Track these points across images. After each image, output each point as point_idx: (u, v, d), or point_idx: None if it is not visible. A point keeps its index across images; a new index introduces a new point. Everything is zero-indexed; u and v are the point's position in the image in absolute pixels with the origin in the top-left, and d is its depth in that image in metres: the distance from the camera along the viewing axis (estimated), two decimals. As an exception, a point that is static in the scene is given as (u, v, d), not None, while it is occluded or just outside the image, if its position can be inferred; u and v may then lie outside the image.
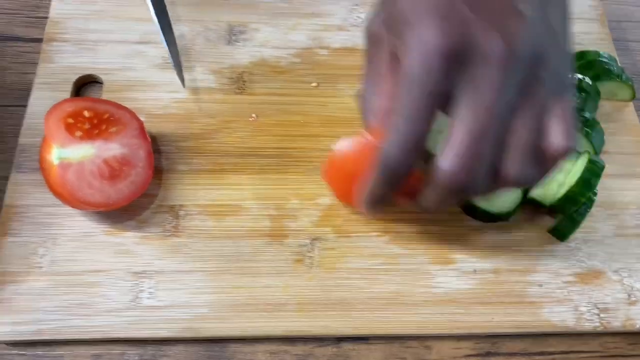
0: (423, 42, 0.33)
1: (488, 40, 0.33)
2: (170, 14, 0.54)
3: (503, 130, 0.34)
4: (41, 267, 0.43)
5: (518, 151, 0.35)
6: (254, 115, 0.51)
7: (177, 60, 0.51)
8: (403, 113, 0.34)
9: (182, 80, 0.51)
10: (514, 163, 0.35)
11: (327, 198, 0.48)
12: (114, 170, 0.43)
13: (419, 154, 0.36)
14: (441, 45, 0.33)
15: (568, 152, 0.36)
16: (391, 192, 0.39)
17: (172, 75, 0.52)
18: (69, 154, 0.43)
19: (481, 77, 0.33)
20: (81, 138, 0.44)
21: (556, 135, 0.35)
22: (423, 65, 0.33)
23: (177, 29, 0.54)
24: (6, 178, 0.46)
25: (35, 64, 0.52)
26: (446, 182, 0.35)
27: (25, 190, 0.46)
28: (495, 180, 0.36)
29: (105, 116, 0.45)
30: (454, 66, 0.33)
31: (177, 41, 0.53)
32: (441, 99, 0.34)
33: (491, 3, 0.34)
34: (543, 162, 0.36)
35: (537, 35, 0.34)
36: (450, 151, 0.34)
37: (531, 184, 0.38)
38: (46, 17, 0.54)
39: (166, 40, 0.51)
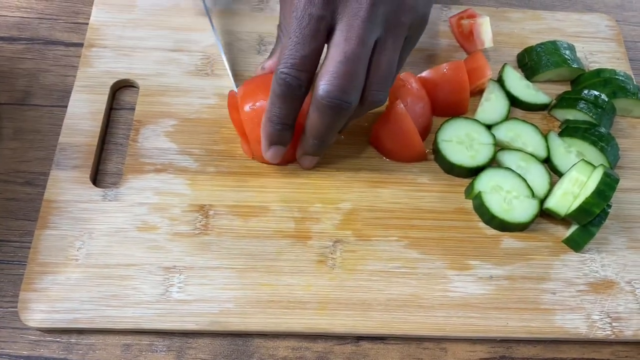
0: None
1: None
2: (205, 24, 0.57)
3: (368, 57, 0.42)
4: (77, 259, 0.45)
5: (380, 79, 0.43)
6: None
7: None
8: (292, 37, 0.41)
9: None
10: (376, 88, 0.43)
11: (348, 203, 0.50)
12: None
13: (308, 73, 0.42)
14: None
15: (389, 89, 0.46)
16: (291, 114, 0.44)
17: (204, 81, 0.54)
18: None
19: (353, 11, 0.41)
20: None
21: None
22: None
23: (211, 38, 0.57)
24: (46, 174, 0.49)
25: (75, 67, 0.55)
26: (327, 102, 0.41)
27: (64, 187, 0.48)
28: (361, 102, 0.43)
29: None
30: (331, 1, 0.41)
31: (209, 50, 0.56)
32: (323, 26, 0.41)
33: None
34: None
35: None
36: (328, 73, 0.41)
37: (379, 105, 0.45)
38: (85, 23, 0.57)
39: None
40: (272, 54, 0.50)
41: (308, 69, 0.42)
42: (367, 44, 0.41)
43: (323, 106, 0.42)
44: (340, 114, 0.43)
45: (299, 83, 0.42)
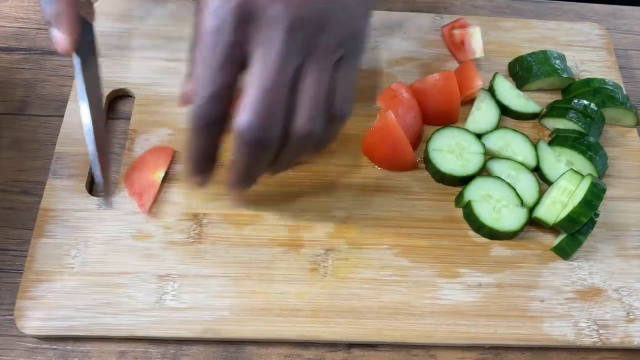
0: (213, 2, 0.37)
1: (271, 5, 0.37)
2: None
3: (291, 87, 0.38)
4: (73, 267, 0.46)
5: (305, 108, 0.39)
6: None
7: (106, 173, 0.45)
8: (202, 67, 0.38)
9: (109, 199, 0.47)
10: (301, 119, 0.39)
11: (340, 211, 0.51)
12: None
13: (223, 104, 0.39)
14: (229, 7, 0.37)
15: (345, 117, 0.41)
16: (210, 146, 0.41)
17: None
18: None
19: (267, 38, 0.37)
20: None
21: (337, 100, 0.40)
22: (214, 23, 0.37)
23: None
24: (43, 183, 0.50)
25: (71, 77, 0.56)
26: (245, 138, 0.38)
27: (60, 195, 0.49)
28: (288, 135, 0.40)
29: None
30: (243, 26, 0.37)
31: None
32: (235, 54, 0.38)
33: None
34: (328, 120, 0.41)
35: (319, 3, 0.38)
36: (245, 107, 0.38)
37: (318, 139, 0.41)
38: (83, 34, 0.58)
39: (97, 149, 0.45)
40: (188, 76, 0.44)
41: (222, 100, 0.39)
42: (286, 74, 0.38)
43: (243, 143, 0.39)
44: (261, 151, 0.40)
45: (213, 118, 0.39)
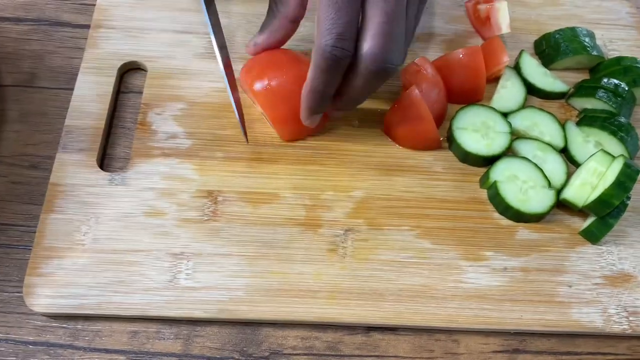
0: None
1: None
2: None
3: (404, 14, 0.42)
4: (84, 244, 0.44)
5: (409, 35, 0.44)
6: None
7: (240, 111, 0.49)
8: (331, 5, 0.40)
9: (245, 133, 0.49)
10: (405, 44, 0.44)
11: (360, 191, 0.49)
12: None
13: (352, 40, 0.41)
14: None
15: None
16: (333, 85, 0.43)
17: (213, 64, 0.53)
18: None
19: None
20: None
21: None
22: None
23: (220, 21, 0.55)
24: (52, 158, 0.48)
25: (81, 49, 0.54)
26: (372, 67, 0.41)
27: (70, 170, 0.47)
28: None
29: None
30: None
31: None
32: None
33: None
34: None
35: None
36: (370, 36, 0.40)
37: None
38: (93, 4, 0.56)
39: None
40: (263, 27, 0.49)
41: (352, 35, 0.40)
42: (403, 3, 0.41)
43: (370, 72, 0.41)
44: (386, 77, 0.42)
45: (345, 53, 0.41)
